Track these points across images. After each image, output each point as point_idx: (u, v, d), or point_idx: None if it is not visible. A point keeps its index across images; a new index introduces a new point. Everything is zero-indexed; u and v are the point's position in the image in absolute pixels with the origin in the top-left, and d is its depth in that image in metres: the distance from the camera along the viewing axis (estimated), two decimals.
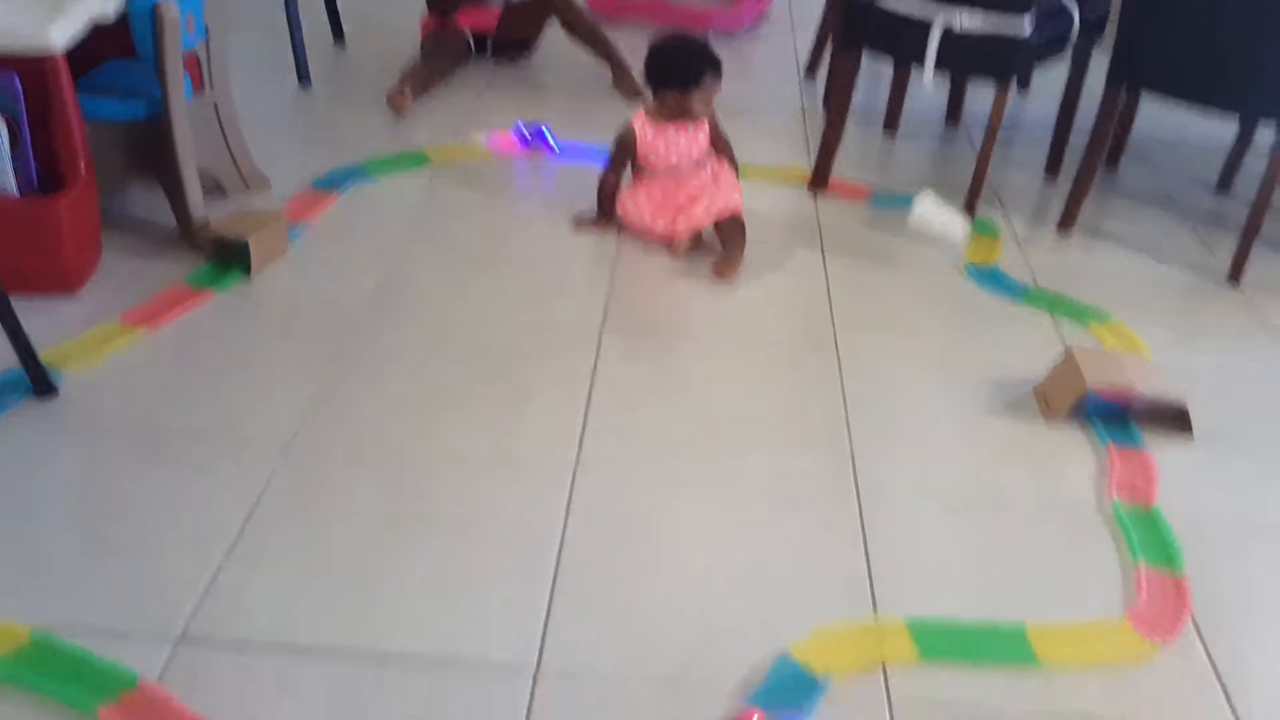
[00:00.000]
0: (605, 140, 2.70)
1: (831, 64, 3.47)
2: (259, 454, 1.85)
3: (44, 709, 1.39)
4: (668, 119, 2.59)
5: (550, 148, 3.03)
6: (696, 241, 2.59)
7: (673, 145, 2.59)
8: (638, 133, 2.60)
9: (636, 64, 3.37)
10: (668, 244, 2.59)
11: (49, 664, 1.45)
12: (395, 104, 3.20)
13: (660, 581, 1.65)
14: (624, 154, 2.64)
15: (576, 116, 3.30)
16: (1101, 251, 2.77)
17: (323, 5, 3.67)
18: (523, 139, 3.02)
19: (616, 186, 2.66)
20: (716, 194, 2.58)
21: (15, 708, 1.38)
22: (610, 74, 3.53)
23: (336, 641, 1.51)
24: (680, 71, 2.56)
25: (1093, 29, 2.93)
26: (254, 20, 3.54)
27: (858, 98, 2.97)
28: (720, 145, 2.71)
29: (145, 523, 1.69)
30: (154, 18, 2.19)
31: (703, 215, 2.56)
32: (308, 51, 3.38)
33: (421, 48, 3.58)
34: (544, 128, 3.04)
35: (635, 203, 2.62)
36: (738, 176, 2.69)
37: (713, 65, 2.58)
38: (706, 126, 2.64)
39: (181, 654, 1.48)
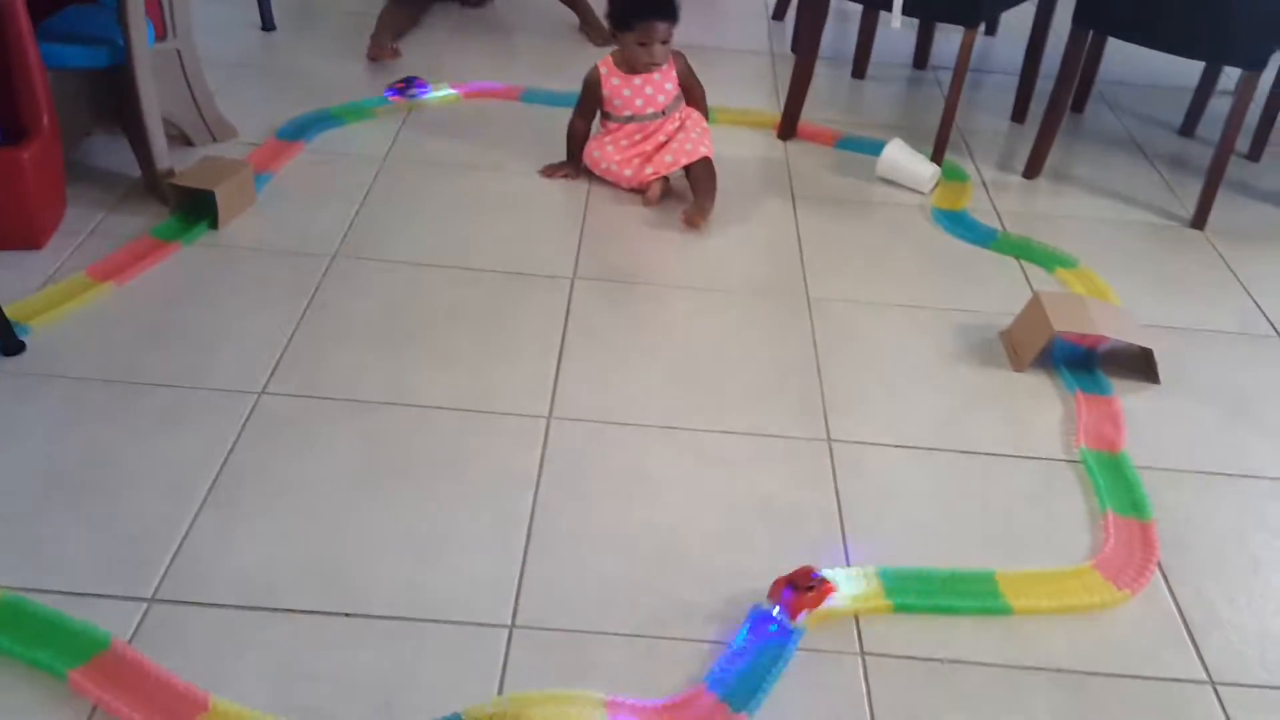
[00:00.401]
0: (569, 87, 2.68)
1: (800, 7, 3.45)
2: (230, 407, 1.85)
3: (14, 673, 1.39)
4: (629, 66, 2.56)
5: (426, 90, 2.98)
6: (667, 189, 2.58)
7: (638, 92, 2.57)
8: (603, 77, 2.58)
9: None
10: (639, 191, 2.58)
11: (20, 627, 1.44)
12: (383, 55, 3.14)
13: (635, 531, 1.68)
14: (589, 98, 2.62)
15: (546, 63, 3.26)
16: (1068, 196, 2.79)
17: None
18: (395, 92, 2.95)
19: (585, 132, 2.65)
20: (685, 140, 2.57)
21: None
22: (578, 19, 3.49)
23: (311, 598, 1.52)
24: (620, 14, 2.52)
25: None
26: None
27: (826, 41, 2.95)
28: (693, 93, 2.68)
29: (117, 479, 1.69)
30: None
31: (670, 162, 2.55)
32: None
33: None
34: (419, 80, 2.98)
35: (602, 150, 2.61)
36: (708, 122, 2.67)
37: (650, 11, 2.49)
38: (674, 74, 2.61)
39: (155, 613, 1.48)
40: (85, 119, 2.44)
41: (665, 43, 2.53)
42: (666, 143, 2.58)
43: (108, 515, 1.63)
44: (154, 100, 2.34)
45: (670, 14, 2.52)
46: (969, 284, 2.38)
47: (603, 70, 2.58)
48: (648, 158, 2.58)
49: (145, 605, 1.49)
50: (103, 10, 2.24)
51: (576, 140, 2.65)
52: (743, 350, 2.13)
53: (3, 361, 1.90)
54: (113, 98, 2.36)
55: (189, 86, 2.55)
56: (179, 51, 2.49)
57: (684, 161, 2.55)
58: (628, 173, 2.58)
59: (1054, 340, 2.08)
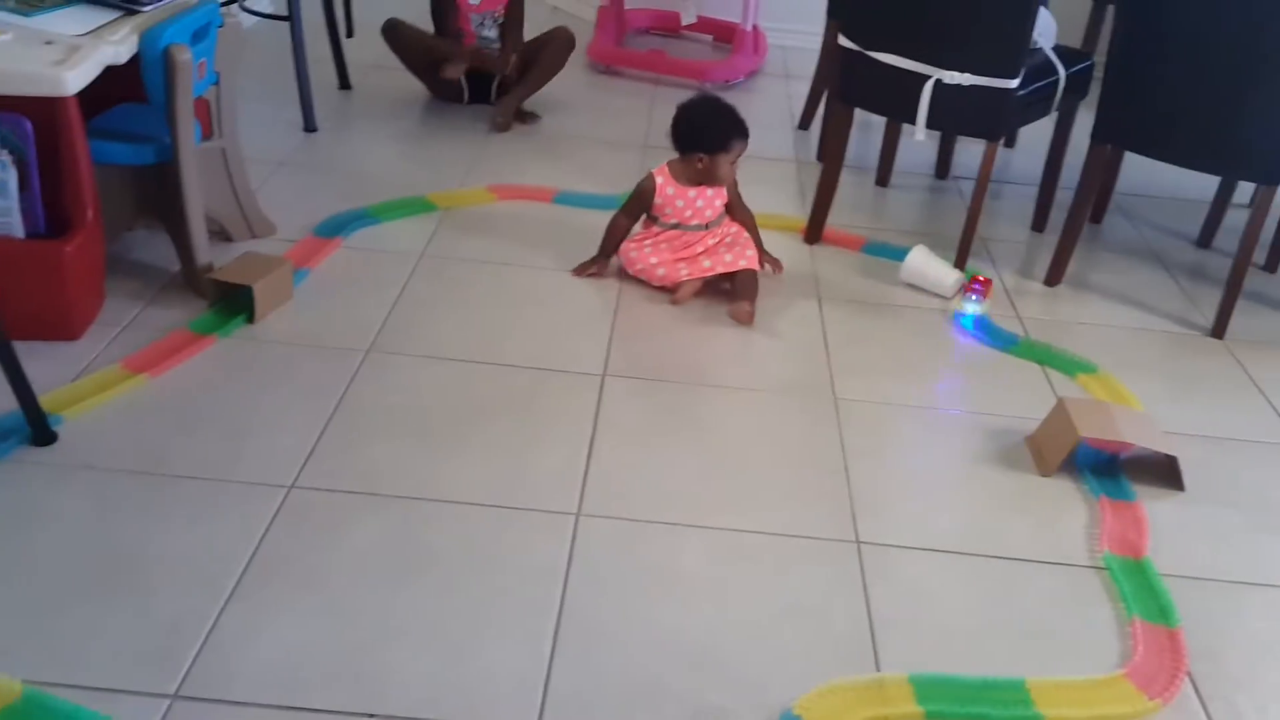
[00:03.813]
0: (611, 191, 2.75)
1: (825, 117, 3.54)
2: (260, 499, 1.86)
3: None
4: (692, 180, 2.64)
5: None
6: (697, 289, 2.62)
7: (690, 204, 2.65)
8: (658, 186, 2.65)
9: (622, 119, 3.44)
10: (670, 290, 2.63)
11: None
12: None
13: (663, 632, 1.67)
14: (640, 203, 2.69)
15: (582, 167, 3.34)
16: (1089, 304, 2.82)
17: (330, 53, 3.71)
18: None
19: (625, 232, 2.71)
20: (726, 252, 2.64)
21: None
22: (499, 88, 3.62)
23: (335, 697, 1.52)
24: (711, 136, 2.61)
25: (1078, 87, 3.00)
26: (262, 68, 3.58)
27: (850, 149, 3.03)
28: (739, 212, 2.76)
29: (144, 572, 1.70)
30: (166, 62, 2.21)
31: (708, 267, 2.62)
32: (314, 98, 3.41)
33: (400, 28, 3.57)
34: None
35: (640, 250, 2.66)
36: (759, 240, 2.74)
37: (742, 131, 2.64)
38: (725, 192, 2.69)
39: (178, 711, 1.47)
40: (128, 213, 2.50)
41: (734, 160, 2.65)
42: (706, 251, 2.65)
43: (133, 608, 1.63)
44: (197, 197, 2.40)
45: (748, 132, 2.65)
46: (993, 388, 2.40)
47: (659, 179, 2.66)
48: (685, 259, 2.64)
49: (168, 702, 1.48)
50: (151, 109, 2.31)
51: (616, 236, 2.70)
52: (770, 449, 2.14)
53: (34, 452, 1.92)
54: (156, 193, 2.42)
55: (232, 184, 2.62)
56: (224, 150, 2.57)
57: (721, 270, 2.61)
58: (661, 271, 2.63)
59: (1079, 445, 2.09)
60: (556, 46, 3.64)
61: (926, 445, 2.19)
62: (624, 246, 2.70)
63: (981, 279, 2.67)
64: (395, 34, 3.56)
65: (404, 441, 2.05)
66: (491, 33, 3.61)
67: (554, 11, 4.84)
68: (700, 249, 2.66)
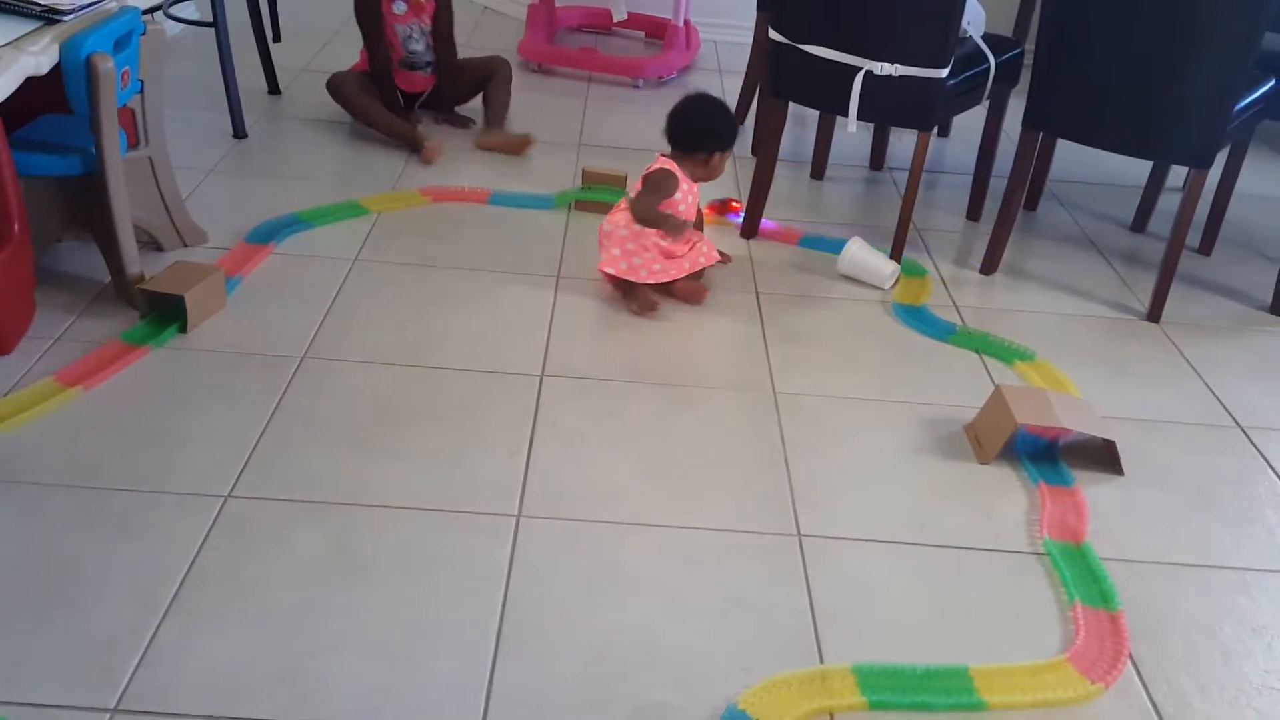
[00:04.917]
0: (545, 190, 2.72)
1: (759, 112, 3.55)
2: (197, 510, 1.84)
3: None
4: (693, 176, 2.66)
5: None
6: (646, 299, 2.61)
7: (684, 198, 2.66)
8: (678, 180, 2.63)
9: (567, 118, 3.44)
10: (616, 283, 2.61)
11: None
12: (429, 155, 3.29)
13: (606, 631, 1.67)
14: (666, 193, 2.62)
15: (516, 167, 3.32)
16: (1025, 291, 2.85)
17: (258, 58, 3.66)
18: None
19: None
20: (697, 254, 2.65)
21: None
22: (481, 124, 3.55)
23: (276, 706, 1.50)
24: (721, 133, 2.65)
25: (1008, 75, 3.03)
26: (189, 75, 3.53)
27: (785, 143, 3.04)
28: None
29: (81, 586, 1.67)
30: (88, 71, 2.17)
31: (688, 267, 2.63)
32: (243, 104, 3.36)
33: (344, 88, 3.43)
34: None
35: (647, 239, 2.63)
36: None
37: (737, 127, 2.74)
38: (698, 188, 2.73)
39: None
40: (56, 225, 2.46)
41: None
42: (687, 250, 2.66)
43: (70, 623, 1.60)
44: (125, 207, 2.36)
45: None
46: (931, 378, 2.42)
47: (676, 174, 2.63)
48: (667, 254, 2.63)
49: (108, 716, 1.46)
50: (76, 119, 2.27)
51: (658, 219, 2.61)
52: (711, 445, 2.14)
53: None
54: (84, 204, 2.38)
55: (160, 193, 2.58)
56: (151, 159, 2.53)
57: (702, 264, 2.65)
58: (632, 261, 2.58)
59: (1017, 433, 2.11)
60: (502, 82, 3.56)
61: (866, 436, 2.20)
62: (606, 237, 2.63)
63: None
64: (340, 94, 3.43)
65: (340, 448, 2.03)
66: (419, 45, 3.47)
67: (484, 11, 4.82)
68: (685, 243, 2.67)
